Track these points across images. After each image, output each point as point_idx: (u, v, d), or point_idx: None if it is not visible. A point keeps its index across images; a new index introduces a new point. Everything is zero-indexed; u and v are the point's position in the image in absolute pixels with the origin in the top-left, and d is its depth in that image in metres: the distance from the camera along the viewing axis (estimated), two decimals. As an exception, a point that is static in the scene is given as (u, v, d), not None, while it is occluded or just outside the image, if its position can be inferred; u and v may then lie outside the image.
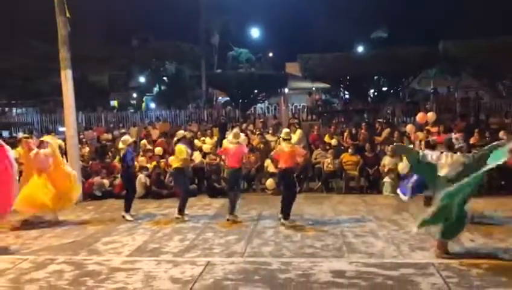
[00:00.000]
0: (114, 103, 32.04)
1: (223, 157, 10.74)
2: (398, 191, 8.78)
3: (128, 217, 9.55)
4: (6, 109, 30.72)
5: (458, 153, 6.74)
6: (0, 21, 23.42)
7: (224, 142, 12.95)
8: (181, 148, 9.40)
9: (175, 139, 9.82)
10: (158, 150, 13.25)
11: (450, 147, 6.87)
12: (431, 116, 12.52)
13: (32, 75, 24.96)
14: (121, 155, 9.74)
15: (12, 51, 24.08)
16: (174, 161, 9.75)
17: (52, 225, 9.30)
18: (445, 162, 6.63)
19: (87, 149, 14.40)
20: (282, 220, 8.71)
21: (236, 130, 10.69)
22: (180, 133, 10.09)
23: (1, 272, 6.49)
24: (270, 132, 14.12)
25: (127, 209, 9.67)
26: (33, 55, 23.52)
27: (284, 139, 9.03)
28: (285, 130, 9.59)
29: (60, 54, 11.53)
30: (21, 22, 23.60)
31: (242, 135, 10.57)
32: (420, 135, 11.76)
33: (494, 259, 6.44)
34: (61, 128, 19.83)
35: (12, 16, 23.86)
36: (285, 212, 8.75)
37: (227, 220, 9.06)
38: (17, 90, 26.89)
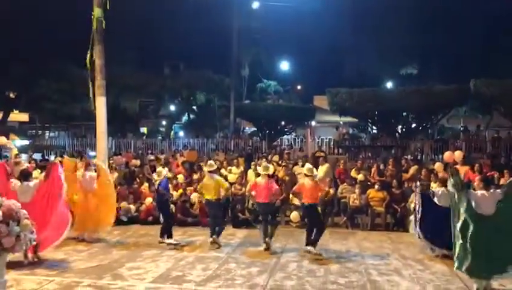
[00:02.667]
0: (143, 129, 32.70)
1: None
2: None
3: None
4: (40, 132, 31.70)
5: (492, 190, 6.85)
6: (39, 47, 24.37)
7: (250, 172, 13.10)
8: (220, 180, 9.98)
9: (207, 169, 10.20)
10: (180, 177, 13.40)
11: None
12: (458, 155, 12.36)
13: (66, 100, 25.73)
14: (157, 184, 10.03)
15: (49, 76, 24.93)
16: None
17: (77, 248, 9.48)
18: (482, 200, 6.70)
19: (116, 174, 14.64)
20: (308, 247, 8.82)
21: (265, 163, 10.94)
22: (212, 163, 10.43)
23: (28, 292, 6.63)
24: (300, 163, 14.06)
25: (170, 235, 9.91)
26: (68, 81, 24.28)
27: (307, 175, 9.18)
28: (308, 165, 9.73)
29: (95, 81, 11.92)
30: (58, 48, 24.50)
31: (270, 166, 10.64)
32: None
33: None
34: (91, 153, 20.30)
35: (50, 41, 24.82)
36: (315, 241, 8.90)
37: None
38: (52, 114, 27.73)
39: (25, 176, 8.60)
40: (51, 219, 8.30)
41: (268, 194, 9.55)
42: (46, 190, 8.47)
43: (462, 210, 6.83)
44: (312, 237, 8.94)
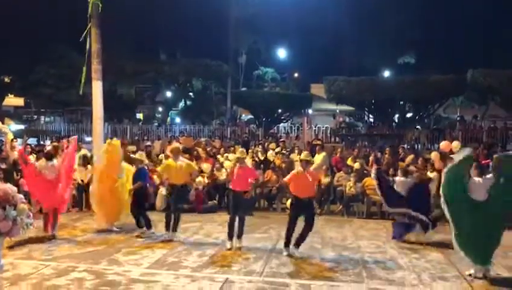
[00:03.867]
0: (140, 115, 32.59)
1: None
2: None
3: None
4: (35, 116, 31.54)
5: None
6: (37, 32, 24.16)
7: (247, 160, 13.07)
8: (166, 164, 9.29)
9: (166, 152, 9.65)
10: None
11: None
12: (456, 145, 12.33)
13: (63, 85, 25.57)
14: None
15: (46, 61, 24.75)
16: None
17: (73, 233, 9.48)
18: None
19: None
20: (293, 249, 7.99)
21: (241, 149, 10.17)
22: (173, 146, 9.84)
23: (24, 277, 6.61)
24: (296, 151, 14.15)
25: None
26: (66, 66, 24.12)
27: (303, 160, 8.31)
28: (305, 152, 9.06)
29: (92, 66, 11.78)
30: (56, 33, 24.30)
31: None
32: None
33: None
34: (87, 138, 20.23)
35: (48, 26, 24.61)
36: (300, 242, 8.03)
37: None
38: (48, 99, 27.57)
39: (49, 157, 9.36)
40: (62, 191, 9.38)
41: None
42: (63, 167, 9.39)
43: (456, 194, 7.02)
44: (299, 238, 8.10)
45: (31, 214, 5.83)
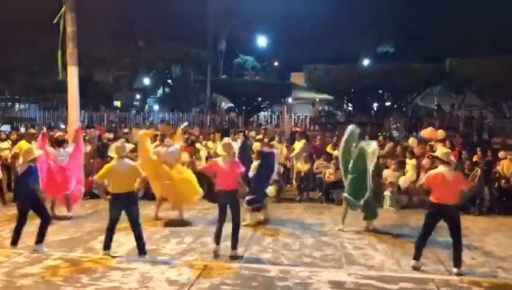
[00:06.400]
0: (117, 103, 32.08)
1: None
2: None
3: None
4: (9, 104, 30.78)
5: None
6: (10, 16, 23.44)
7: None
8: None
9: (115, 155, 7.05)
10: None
11: None
12: (441, 133, 12.44)
13: (38, 71, 24.95)
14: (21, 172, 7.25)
15: (20, 47, 24.11)
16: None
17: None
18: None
19: (89, 147, 14.32)
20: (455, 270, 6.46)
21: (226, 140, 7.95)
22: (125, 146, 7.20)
23: (-5, 265, 6.43)
24: (276, 139, 14.12)
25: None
26: (40, 51, 23.50)
27: (443, 162, 6.67)
28: (445, 150, 7.38)
29: (67, 50, 11.49)
30: (31, 18, 23.60)
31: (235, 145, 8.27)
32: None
33: (495, 278, 6.38)
34: (62, 126, 19.84)
35: (21, 11, 23.91)
36: (458, 260, 6.53)
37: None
38: (22, 86, 26.90)
39: (60, 143, 9.78)
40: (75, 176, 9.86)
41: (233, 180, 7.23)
42: (74, 153, 9.87)
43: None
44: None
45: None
